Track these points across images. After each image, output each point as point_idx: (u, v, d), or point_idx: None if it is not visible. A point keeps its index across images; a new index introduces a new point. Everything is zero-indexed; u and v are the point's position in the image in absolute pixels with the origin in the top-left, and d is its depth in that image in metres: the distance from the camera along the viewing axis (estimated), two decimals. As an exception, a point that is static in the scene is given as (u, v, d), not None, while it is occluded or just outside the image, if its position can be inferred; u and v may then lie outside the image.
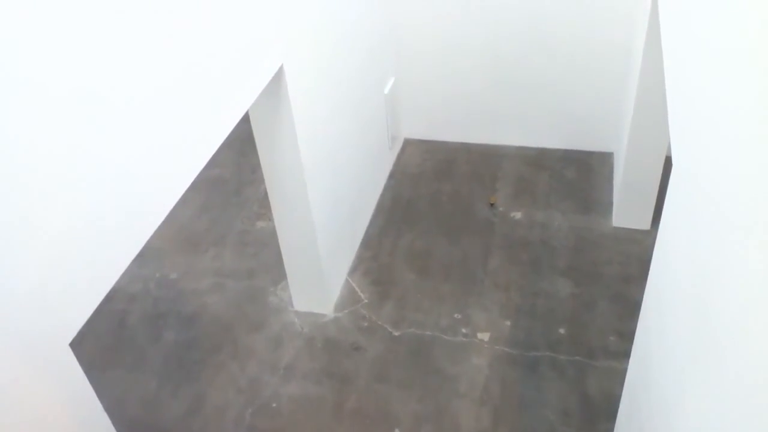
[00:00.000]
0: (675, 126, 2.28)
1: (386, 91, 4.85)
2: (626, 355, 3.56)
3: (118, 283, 2.12)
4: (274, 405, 3.62)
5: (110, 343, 4.03)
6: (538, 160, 5.16)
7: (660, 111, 3.79)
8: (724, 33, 1.68)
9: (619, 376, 3.50)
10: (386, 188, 5.02)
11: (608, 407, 3.43)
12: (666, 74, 2.53)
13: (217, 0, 2.43)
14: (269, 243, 4.57)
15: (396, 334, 3.94)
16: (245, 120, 3.67)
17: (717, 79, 1.70)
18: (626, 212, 4.43)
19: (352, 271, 4.37)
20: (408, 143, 5.46)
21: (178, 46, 2.23)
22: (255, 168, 5.18)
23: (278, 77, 3.07)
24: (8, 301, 1.70)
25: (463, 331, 3.92)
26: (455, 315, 4.01)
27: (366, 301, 4.17)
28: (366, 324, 4.02)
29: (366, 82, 4.42)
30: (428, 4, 4.74)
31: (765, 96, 1.31)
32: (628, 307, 3.91)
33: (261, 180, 4.95)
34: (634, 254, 4.28)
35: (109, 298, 4.13)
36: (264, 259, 4.51)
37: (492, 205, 4.77)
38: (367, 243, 4.57)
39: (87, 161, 1.89)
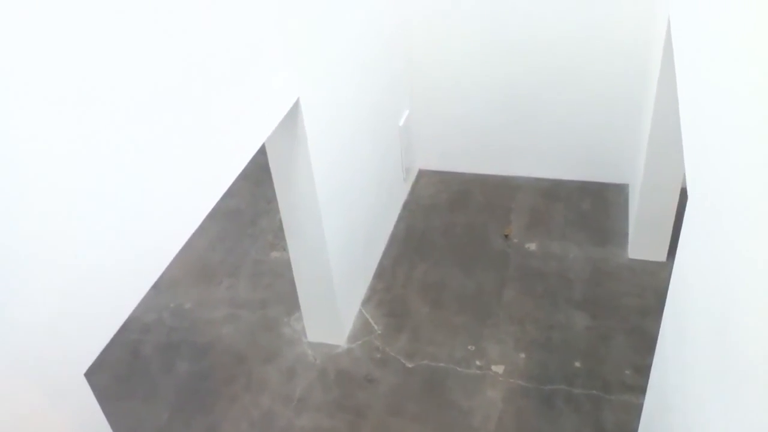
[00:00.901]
0: (690, 157, 2.27)
1: (401, 123, 4.89)
2: (643, 389, 3.50)
3: (132, 312, 2.13)
4: (286, 437, 3.59)
5: (123, 373, 4.03)
6: (553, 191, 5.15)
7: (675, 142, 3.78)
8: (738, 62, 1.69)
9: (636, 411, 3.44)
10: (400, 219, 5.03)
11: (626, 443, 3.38)
12: (680, 106, 2.54)
13: (234, 35, 2.48)
14: (283, 273, 4.58)
15: (409, 365, 3.92)
16: (261, 150, 3.71)
17: (732, 111, 1.70)
18: (642, 244, 4.40)
19: (366, 301, 4.36)
20: (422, 174, 5.48)
21: (194, 80, 2.27)
22: (270, 198, 5.21)
23: (294, 110, 3.11)
24: (24, 331, 1.71)
25: (478, 363, 3.88)
26: (469, 347, 3.98)
27: (379, 332, 4.15)
28: (379, 355, 3.99)
29: (381, 115, 4.46)
30: (442, 36, 4.79)
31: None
32: (645, 341, 3.86)
33: (276, 210, 4.98)
34: (651, 286, 4.24)
35: (123, 327, 4.13)
36: (278, 289, 4.52)
37: (506, 236, 4.76)
38: (380, 274, 4.56)
39: (103, 193, 1.91)
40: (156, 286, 4.37)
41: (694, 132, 2.23)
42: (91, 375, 1.99)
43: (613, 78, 4.64)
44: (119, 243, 2.00)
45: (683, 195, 3.92)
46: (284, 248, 4.72)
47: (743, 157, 1.55)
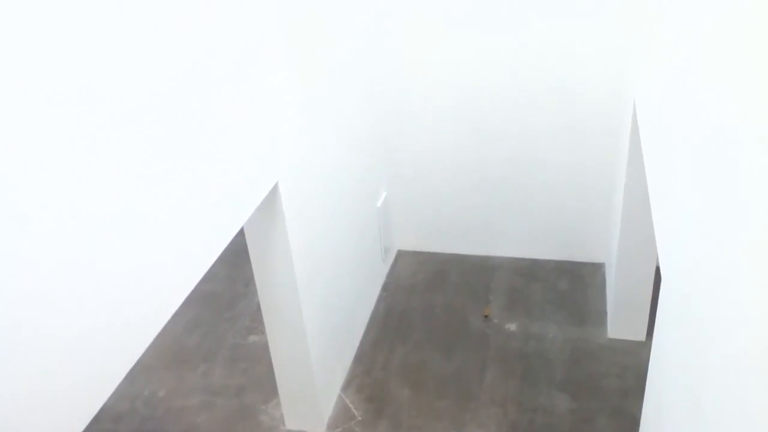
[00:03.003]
0: (662, 238, 2.32)
1: (378, 204, 4.94)
2: (629, 473, 3.44)
3: (105, 401, 2.07)
4: None
5: (93, 466, 3.87)
6: (531, 271, 5.18)
7: (647, 222, 3.86)
8: (701, 142, 1.75)
9: (624, 497, 3.36)
10: (379, 300, 5.01)
11: None
12: (649, 187, 2.61)
13: (215, 118, 2.53)
14: (261, 358, 4.50)
15: (391, 453, 3.81)
16: (239, 233, 3.71)
17: (698, 193, 1.76)
18: (620, 323, 4.41)
19: (345, 386, 4.28)
20: (401, 255, 5.50)
21: (172, 164, 2.30)
22: (248, 281, 5.17)
23: (273, 194, 3.14)
24: (-9, 423, 1.65)
25: (460, 449, 3.79)
26: (451, 432, 3.89)
27: (360, 418, 4.05)
28: (359, 442, 3.89)
29: (359, 197, 4.51)
30: (420, 121, 4.92)
31: (747, 206, 1.35)
32: (628, 422, 3.81)
33: (254, 293, 4.93)
34: (631, 366, 4.22)
35: (96, 417, 3.99)
36: (255, 374, 4.42)
37: (486, 317, 4.75)
38: (360, 357, 4.50)
39: (78, 279, 1.89)
40: (130, 373, 4.25)
41: (663, 213, 2.29)
42: (58, 470, 1.91)
43: (586, 161, 4.76)
44: (93, 330, 1.97)
45: (659, 273, 3.97)
46: (262, 332, 4.65)
47: (712, 235, 1.59)
